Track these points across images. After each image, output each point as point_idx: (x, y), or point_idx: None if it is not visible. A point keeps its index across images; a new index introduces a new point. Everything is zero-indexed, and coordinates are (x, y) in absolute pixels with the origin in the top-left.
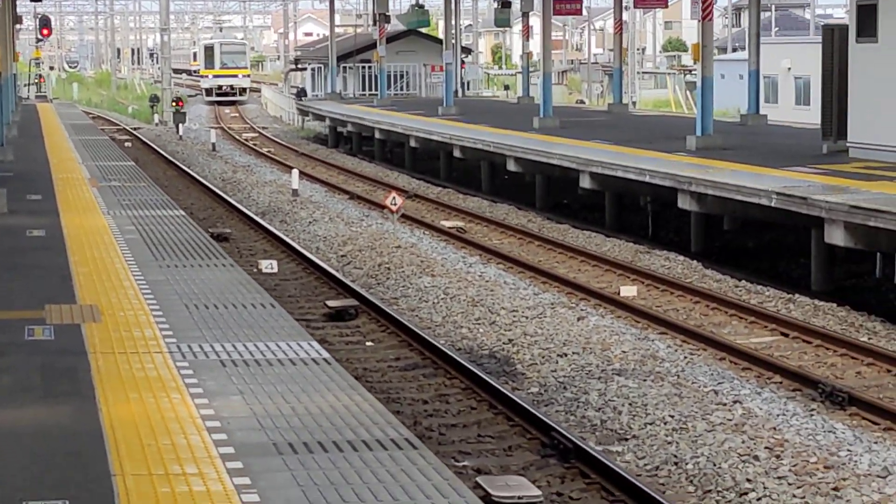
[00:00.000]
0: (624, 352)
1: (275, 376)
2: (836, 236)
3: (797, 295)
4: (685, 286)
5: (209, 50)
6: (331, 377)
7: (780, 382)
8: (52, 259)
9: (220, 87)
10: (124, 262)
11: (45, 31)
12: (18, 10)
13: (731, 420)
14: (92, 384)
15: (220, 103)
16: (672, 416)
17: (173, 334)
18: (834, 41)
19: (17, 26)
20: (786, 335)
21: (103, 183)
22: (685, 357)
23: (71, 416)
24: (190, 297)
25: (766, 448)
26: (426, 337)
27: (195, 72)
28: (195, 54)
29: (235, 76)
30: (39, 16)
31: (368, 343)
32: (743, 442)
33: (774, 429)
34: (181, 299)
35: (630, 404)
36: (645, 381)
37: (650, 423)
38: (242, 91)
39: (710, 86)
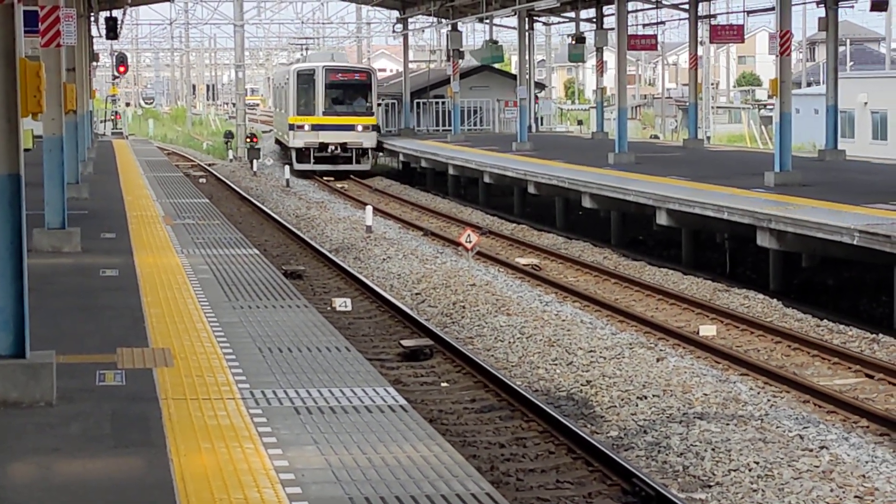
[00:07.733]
0: (705, 394)
1: (350, 424)
2: None
3: (881, 335)
4: (766, 326)
5: (306, 78)
6: (407, 425)
7: (867, 427)
8: (125, 300)
9: (323, 149)
10: (197, 303)
11: (122, 69)
12: (95, 47)
13: (818, 467)
14: (163, 433)
15: (322, 174)
16: (757, 463)
17: (246, 379)
18: None
19: (94, 63)
20: (871, 377)
21: (177, 221)
22: (768, 400)
23: (141, 467)
24: (263, 339)
25: (855, 497)
26: (502, 378)
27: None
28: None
29: (352, 128)
30: (116, 53)
31: (444, 384)
32: (831, 490)
33: (863, 476)
34: (254, 342)
35: (713, 449)
36: (728, 425)
37: (734, 470)
38: (362, 155)
39: (789, 121)
